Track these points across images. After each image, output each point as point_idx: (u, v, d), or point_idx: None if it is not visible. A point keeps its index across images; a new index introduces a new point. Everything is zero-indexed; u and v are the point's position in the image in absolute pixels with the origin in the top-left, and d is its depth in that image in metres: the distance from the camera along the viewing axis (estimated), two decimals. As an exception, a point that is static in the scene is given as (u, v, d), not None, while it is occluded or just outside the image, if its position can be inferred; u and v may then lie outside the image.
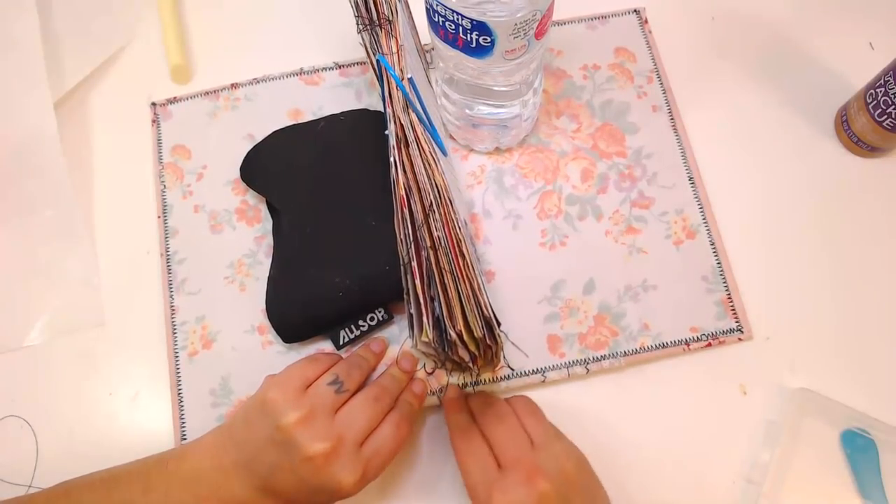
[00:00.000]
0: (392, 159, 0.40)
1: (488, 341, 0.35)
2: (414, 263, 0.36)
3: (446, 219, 0.38)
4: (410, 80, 0.41)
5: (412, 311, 0.36)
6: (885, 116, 0.46)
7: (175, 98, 0.53)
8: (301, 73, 0.53)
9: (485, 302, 0.36)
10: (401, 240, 0.38)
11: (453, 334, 0.34)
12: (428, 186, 0.38)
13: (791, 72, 0.54)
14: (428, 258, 0.36)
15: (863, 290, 0.46)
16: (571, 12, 0.54)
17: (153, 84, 0.54)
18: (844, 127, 0.50)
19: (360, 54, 0.51)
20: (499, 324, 0.36)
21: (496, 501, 0.35)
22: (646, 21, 0.54)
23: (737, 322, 0.45)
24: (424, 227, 0.37)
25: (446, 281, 0.36)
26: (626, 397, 0.44)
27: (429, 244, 0.37)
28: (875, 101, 0.47)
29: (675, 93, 0.52)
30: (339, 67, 0.53)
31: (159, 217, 0.49)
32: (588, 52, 0.53)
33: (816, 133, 0.51)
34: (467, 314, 0.35)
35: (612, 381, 0.45)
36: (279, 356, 0.45)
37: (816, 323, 0.46)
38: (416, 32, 0.49)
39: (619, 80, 0.52)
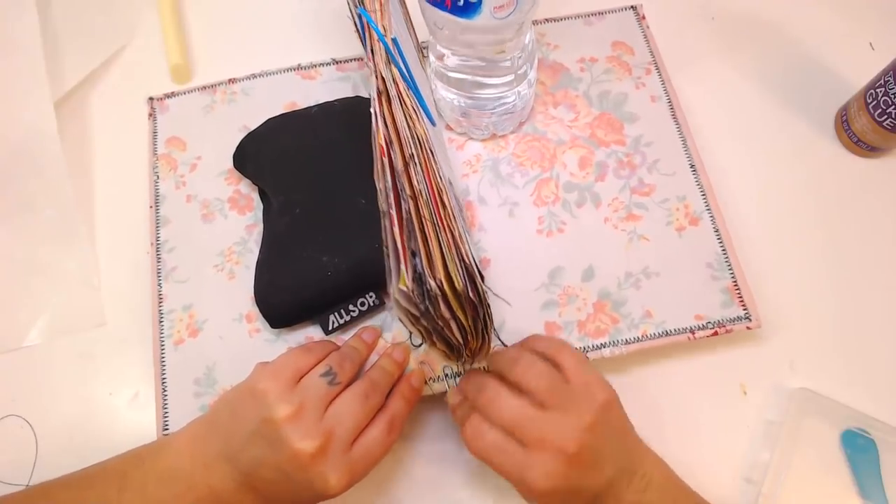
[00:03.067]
0: (372, 110, 0.39)
1: (471, 295, 0.33)
2: (393, 211, 0.35)
3: (427, 168, 0.36)
4: (394, 40, 0.40)
5: (391, 263, 0.34)
6: (885, 116, 0.46)
7: (173, 93, 0.53)
8: (298, 68, 0.53)
9: (466, 251, 0.35)
10: (380, 189, 0.37)
11: (433, 283, 0.33)
12: (409, 138, 0.37)
13: (791, 72, 0.54)
14: (408, 210, 0.35)
15: (863, 290, 0.46)
16: (568, 9, 0.54)
17: (153, 84, 0.54)
18: (844, 127, 0.50)
19: (358, 51, 0.51)
20: (482, 278, 0.35)
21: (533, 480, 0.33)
22: (643, 17, 0.54)
23: (744, 310, 0.43)
24: (404, 175, 0.36)
25: (427, 229, 0.34)
26: (624, 396, 0.44)
27: (408, 193, 0.35)
28: (875, 101, 0.47)
29: (674, 84, 0.51)
30: (337, 63, 0.53)
31: (151, 207, 0.49)
32: (585, 47, 0.53)
33: (816, 133, 0.51)
34: (448, 264, 0.33)
35: (610, 379, 0.44)
36: (266, 344, 0.44)
37: (816, 322, 0.46)
38: (414, 30, 0.49)
39: (616, 72, 0.52)
